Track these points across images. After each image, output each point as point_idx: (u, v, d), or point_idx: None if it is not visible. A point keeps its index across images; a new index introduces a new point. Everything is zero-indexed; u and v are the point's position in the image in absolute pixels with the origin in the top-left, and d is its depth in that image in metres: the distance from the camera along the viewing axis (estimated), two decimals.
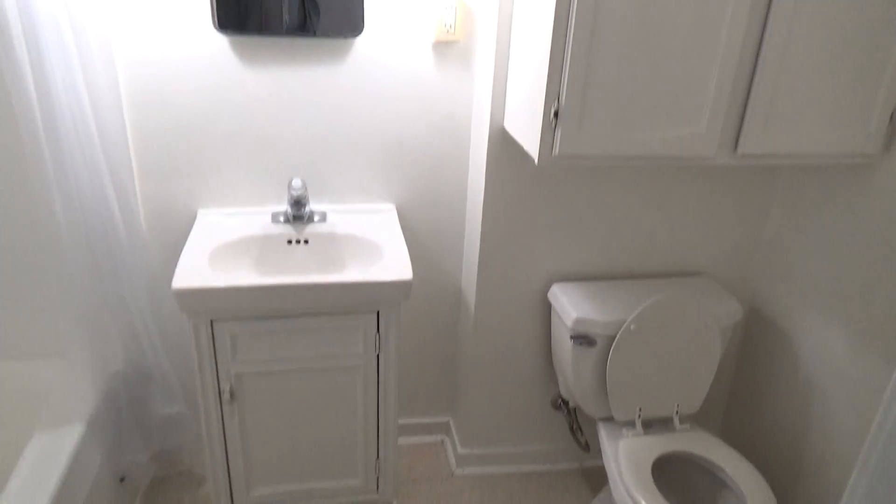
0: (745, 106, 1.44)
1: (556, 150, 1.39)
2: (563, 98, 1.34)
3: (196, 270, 1.52)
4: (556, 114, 1.36)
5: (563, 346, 1.82)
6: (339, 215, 1.83)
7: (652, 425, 1.82)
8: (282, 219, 1.77)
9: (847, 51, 1.41)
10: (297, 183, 1.69)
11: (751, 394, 2.06)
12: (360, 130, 1.78)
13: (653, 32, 1.31)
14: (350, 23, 1.62)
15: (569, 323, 1.74)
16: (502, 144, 1.69)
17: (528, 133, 1.48)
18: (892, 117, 1.50)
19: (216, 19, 1.57)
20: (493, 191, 1.75)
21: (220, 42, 1.62)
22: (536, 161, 1.42)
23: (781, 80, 1.41)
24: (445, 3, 1.64)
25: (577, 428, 2.07)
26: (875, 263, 1.58)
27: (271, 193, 1.81)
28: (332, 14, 1.60)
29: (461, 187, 1.90)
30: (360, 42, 1.67)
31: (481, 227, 1.80)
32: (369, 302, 1.58)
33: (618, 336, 1.70)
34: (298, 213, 1.74)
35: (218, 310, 1.52)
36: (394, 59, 1.70)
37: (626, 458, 1.68)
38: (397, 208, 1.89)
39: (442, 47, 1.71)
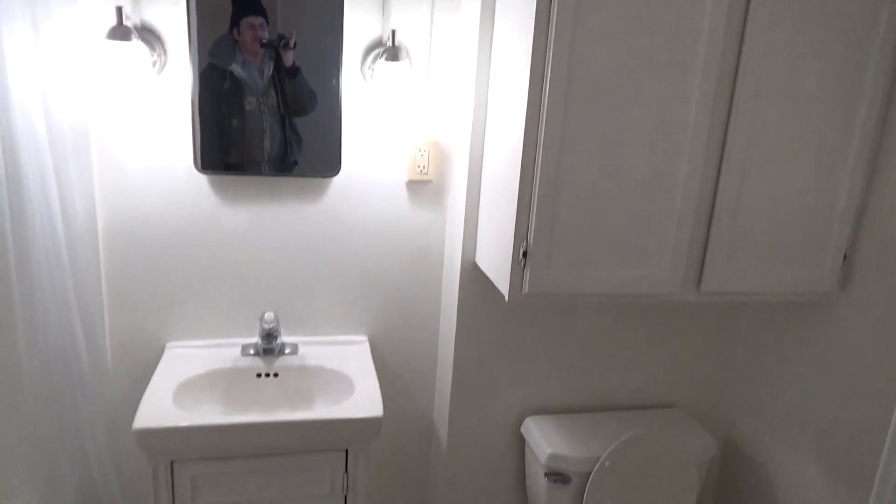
0: (705, 245, 1.50)
1: (526, 289, 1.43)
2: (531, 239, 1.39)
3: (159, 408, 1.47)
4: (524, 254, 1.41)
5: (538, 482, 1.76)
6: (310, 347, 1.82)
7: None
8: (252, 351, 1.75)
9: (799, 194, 1.49)
10: (269, 316, 1.69)
11: None
12: (335, 264, 1.81)
13: (614, 178, 1.39)
14: (328, 164, 1.69)
15: (542, 459, 1.70)
16: (474, 279, 1.73)
17: (498, 271, 1.52)
18: (845, 256, 1.57)
19: (198, 160, 1.63)
20: (465, 324, 1.77)
21: (200, 180, 1.67)
22: (507, 299, 1.45)
23: (738, 221, 1.48)
24: (419, 145, 1.72)
25: None
26: (839, 395, 1.60)
27: (243, 325, 1.81)
28: (310, 155, 1.67)
29: (434, 320, 1.92)
30: (336, 181, 1.73)
31: (454, 360, 1.80)
32: (337, 440, 1.54)
33: (592, 474, 1.66)
34: (269, 345, 1.73)
35: (179, 450, 1.46)
36: (369, 198, 1.77)
37: None
38: (370, 340, 1.89)
39: (416, 186, 1.78)
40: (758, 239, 1.51)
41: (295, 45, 1.57)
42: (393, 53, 1.60)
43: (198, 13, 1.52)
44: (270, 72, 1.59)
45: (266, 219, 1.73)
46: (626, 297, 1.49)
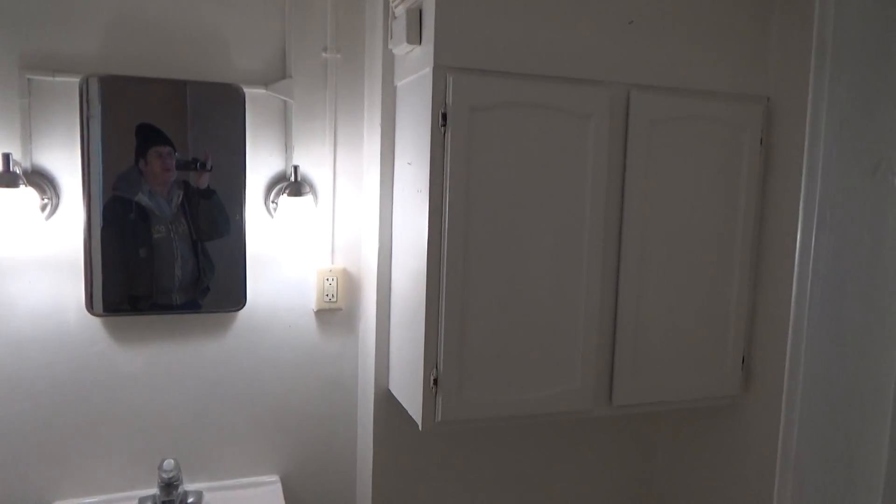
0: (612, 360, 1.53)
1: (439, 416, 1.40)
2: (440, 366, 1.38)
3: None
4: (435, 381, 1.39)
5: None
6: (216, 494, 1.69)
7: None
8: None
9: (694, 304, 1.57)
10: (168, 464, 1.57)
11: None
12: (243, 401, 1.72)
13: (519, 302, 1.42)
14: (232, 298, 1.65)
15: None
16: (389, 408, 1.68)
17: (411, 399, 1.49)
18: (743, 360, 1.63)
19: (93, 302, 1.55)
20: (382, 455, 1.70)
21: (92, 322, 1.58)
22: (420, 427, 1.41)
23: (640, 334, 1.54)
24: (327, 274, 1.72)
25: None
26: (751, 496, 1.61)
27: (141, 476, 1.66)
28: (218, 287, 1.63)
29: (350, 452, 1.83)
30: (242, 315, 1.69)
31: (372, 494, 1.71)
32: None
33: None
34: (169, 497, 1.59)
35: None
36: (276, 329, 1.72)
37: None
38: (282, 480, 1.78)
39: (325, 315, 1.76)
40: (661, 349, 1.56)
41: (211, 167, 1.58)
42: (296, 188, 1.63)
43: (102, 150, 1.51)
44: (180, 199, 1.58)
45: (164, 359, 1.65)
46: (542, 416, 1.49)
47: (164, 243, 1.59)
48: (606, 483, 1.94)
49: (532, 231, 1.42)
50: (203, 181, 1.59)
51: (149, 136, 1.55)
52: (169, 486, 1.59)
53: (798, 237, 0.37)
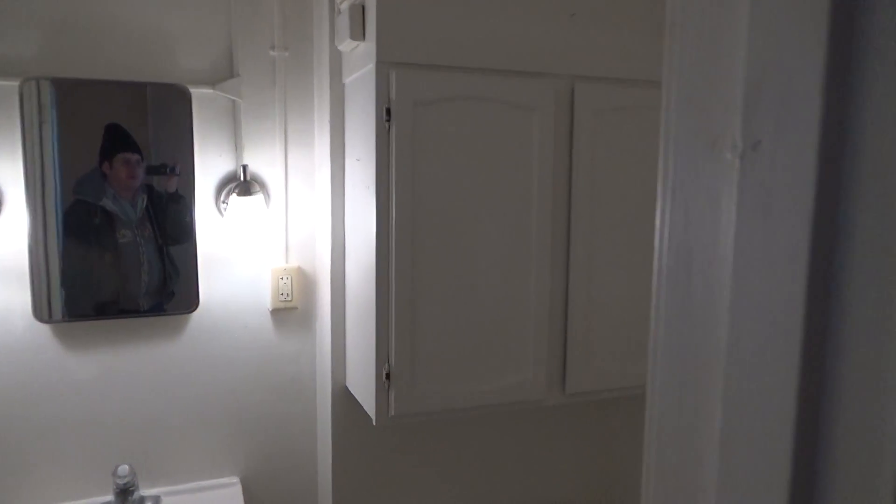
0: (564, 349, 1.55)
1: (393, 411, 1.41)
2: (392, 360, 1.39)
3: None
4: (387, 375, 1.40)
5: None
6: (175, 497, 1.67)
7: None
8: None
9: (643, 291, 1.59)
10: (122, 470, 1.56)
11: None
12: (199, 404, 1.71)
13: (470, 292, 1.43)
14: (185, 300, 1.64)
15: None
16: (347, 404, 1.68)
17: (366, 394, 1.49)
18: None
19: (37, 308, 1.53)
20: (341, 452, 1.70)
21: (39, 329, 1.56)
22: (374, 422, 1.42)
23: (591, 324, 1.55)
24: (281, 273, 1.71)
25: None
26: None
27: (95, 483, 1.65)
28: (168, 293, 1.62)
29: (311, 451, 1.83)
30: (196, 316, 1.67)
31: (332, 492, 1.71)
32: None
33: None
34: (124, 503, 1.58)
35: None
36: (232, 330, 1.71)
37: None
38: (242, 481, 1.77)
39: (281, 314, 1.75)
40: (612, 336, 1.58)
41: (179, 172, 1.58)
42: (245, 188, 1.62)
43: (59, 155, 1.49)
44: (145, 203, 1.57)
45: (118, 364, 1.63)
46: (497, 407, 1.50)
47: (128, 248, 1.57)
48: (566, 470, 1.96)
49: (480, 224, 1.43)
50: (172, 185, 1.59)
51: (113, 139, 1.54)
52: (124, 492, 1.57)
53: (657, 215, 0.38)
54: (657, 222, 0.36)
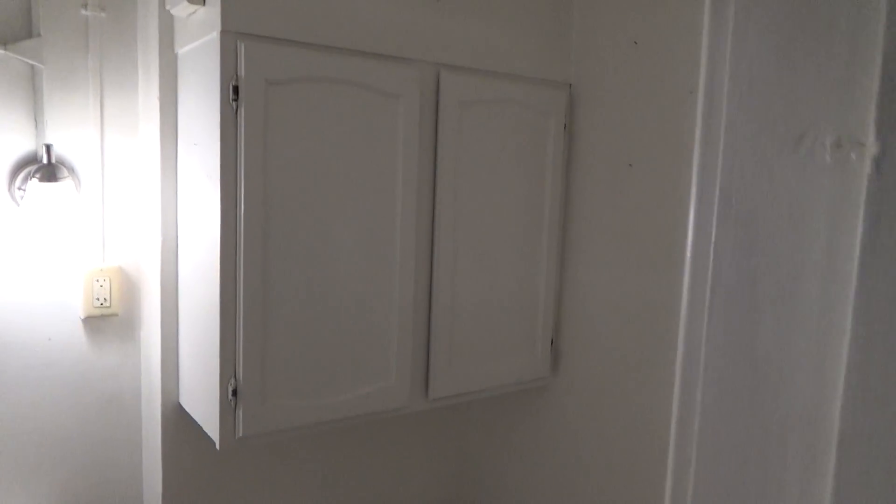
0: (427, 354, 1.47)
1: (241, 431, 1.23)
2: (240, 375, 1.22)
3: None
4: (234, 392, 1.22)
5: None
6: None
7: None
8: None
9: (506, 292, 1.56)
10: None
11: None
12: None
13: (327, 297, 1.30)
14: None
15: None
16: (181, 425, 1.46)
17: (206, 414, 1.30)
18: (552, 342, 1.67)
19: None
20: (174, 480, 1.48)
21: None
22: (218, 445, 1.24)
23: (455, 326, 1.49)
24: (96, 275, 1.45)
25: None
26: (563, 469, 1.66)
27: None
28: None
29: (136, 480, 1.58)
30: None
31: None
32: None
33: None
34: None
35: None
36: (33, 343, 1.42)
37: None
38: None
39: (97, 322, 1.48)
40: (475, 338, 1.53)
41: None
42: (49, 172, 1.34)
43: None
44: None
45: None
46: (357, 418, 1.39)
47: None
48: (427, 478, 1.90)
49: (340, 220, 1.30)
50: None
51: None
52: None
53: (689, 232, 0.30)
54: (690, 243, 0.27)
